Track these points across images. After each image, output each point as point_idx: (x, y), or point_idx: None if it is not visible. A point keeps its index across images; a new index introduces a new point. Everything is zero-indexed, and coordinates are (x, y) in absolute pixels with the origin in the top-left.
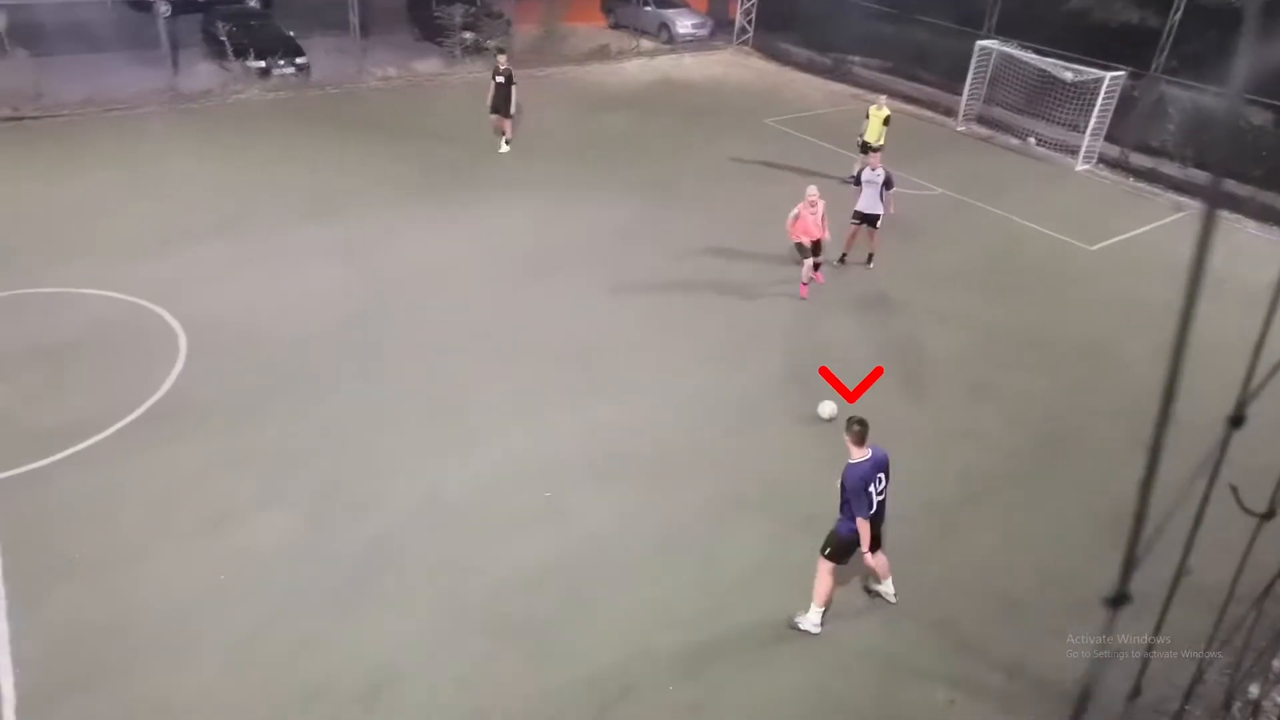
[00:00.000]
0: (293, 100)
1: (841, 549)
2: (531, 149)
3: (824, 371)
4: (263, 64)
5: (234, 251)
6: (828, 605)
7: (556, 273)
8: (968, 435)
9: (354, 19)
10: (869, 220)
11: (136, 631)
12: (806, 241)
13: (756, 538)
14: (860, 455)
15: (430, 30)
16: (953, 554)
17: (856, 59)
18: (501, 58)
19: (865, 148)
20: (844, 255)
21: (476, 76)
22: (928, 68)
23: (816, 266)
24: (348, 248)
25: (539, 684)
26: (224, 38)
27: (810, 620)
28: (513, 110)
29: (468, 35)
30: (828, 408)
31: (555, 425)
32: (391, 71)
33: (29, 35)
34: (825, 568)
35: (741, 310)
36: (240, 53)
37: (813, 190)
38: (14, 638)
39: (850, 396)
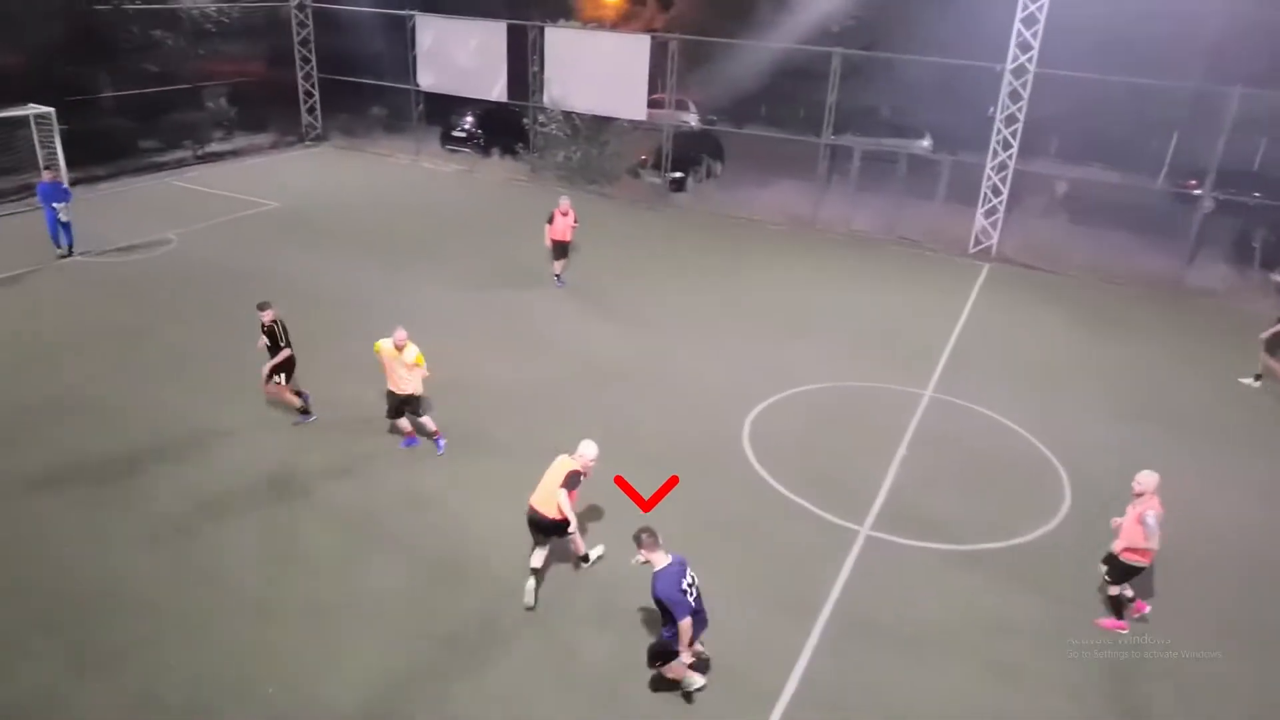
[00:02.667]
0: None
1: (672, 656)
2: None
3: (619, 480)
4: None
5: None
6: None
7: None
8: None
9: None
10: None
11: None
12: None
13: None
14: (664, 561)
15: None
16: None
17: None
18: None
19: None
20: None
21: None
22: None
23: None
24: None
25: None
26: (1255, 244)
27: (693, 682)
28: None
29: None
30: None
31: None
32: None
33: (1073, 205)
34: (667, 670)
35: None
36: (1270, 264)
37: (1143, 480)
38: (808, 665)
39: (645, 506)
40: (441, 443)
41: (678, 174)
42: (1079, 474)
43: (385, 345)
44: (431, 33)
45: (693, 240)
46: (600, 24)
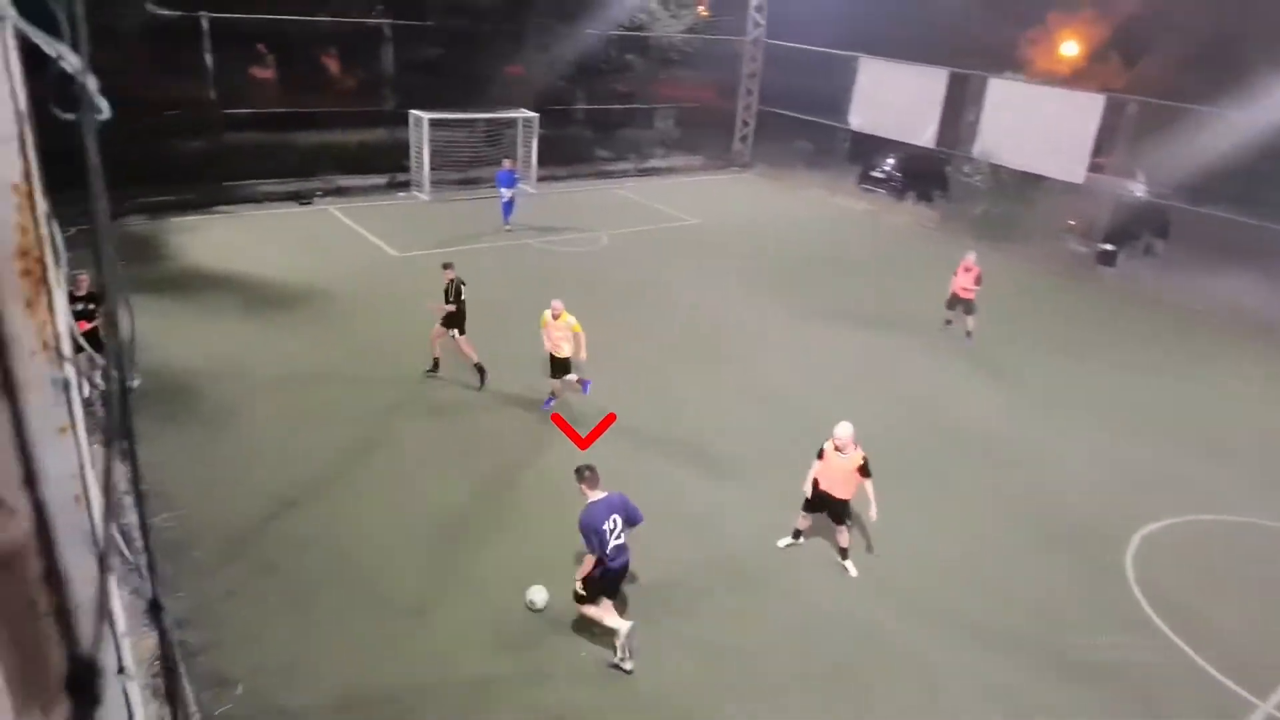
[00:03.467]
0: None
1: (594, 588)
2: None
3: (556, 419)
4: None
5: None
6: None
7: None
8: None
9: None
10: None
11: None
12: None
13: None
14: (595, 496)
15: None
16: None
17: None
18: None
19: None
20: None
21: None
22: None
23: None
24: None
25: None
26: None
27: (618, 628)
28: None
29: None
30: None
31: None
32: None
33: None
34: (590, 610)
35: None
36: None
37: None
38: None
39: (582, 444)
40: (588, 385)
41: (1109, 246)
42: None
43: (545, 315)
44: (872, 75)
45: (1110, 322)
46: (1051, 78)
